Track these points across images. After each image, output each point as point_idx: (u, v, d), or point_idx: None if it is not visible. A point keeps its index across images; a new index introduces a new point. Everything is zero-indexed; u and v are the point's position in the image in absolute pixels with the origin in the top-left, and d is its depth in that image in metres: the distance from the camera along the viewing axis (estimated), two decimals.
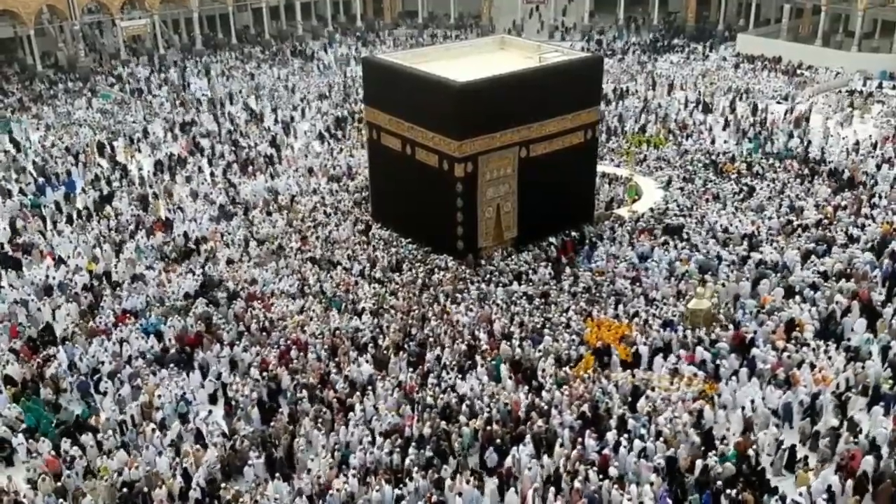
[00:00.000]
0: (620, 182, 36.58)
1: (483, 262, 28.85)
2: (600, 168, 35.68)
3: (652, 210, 33.21)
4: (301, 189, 35.63)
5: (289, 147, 42.35)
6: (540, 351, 23.05)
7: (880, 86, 48.86)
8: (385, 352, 23.17)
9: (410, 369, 22.45)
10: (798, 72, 52.64)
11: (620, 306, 25.08)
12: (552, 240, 30.04)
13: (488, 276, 27.31)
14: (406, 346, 23.29)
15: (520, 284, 26.52)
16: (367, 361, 22.73)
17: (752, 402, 20.39)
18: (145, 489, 18.44)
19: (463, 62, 30.29)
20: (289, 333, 24.39)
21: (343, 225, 31.64)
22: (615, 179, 36.96)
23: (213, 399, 22.16)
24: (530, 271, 27.43)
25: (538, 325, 24.07)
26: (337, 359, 23.12)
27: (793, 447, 18.89)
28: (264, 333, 24.51)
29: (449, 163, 27.88)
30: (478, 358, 22.76)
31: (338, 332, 24.32)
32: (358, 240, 30.65)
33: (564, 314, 24.66)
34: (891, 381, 20.84)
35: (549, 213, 29.69)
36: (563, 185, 30.10)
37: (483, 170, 28.23)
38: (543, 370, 22.26)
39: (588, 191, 32.67)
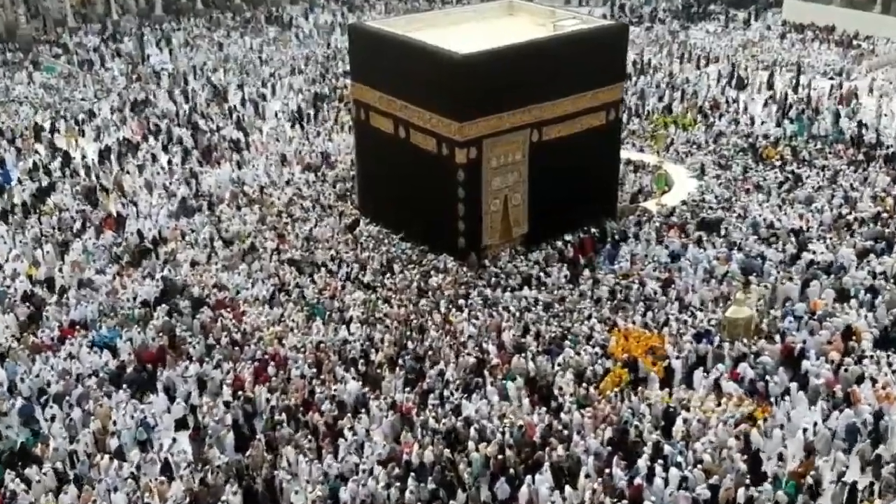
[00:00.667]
0: (647, 170, 36.60)
1: (488, 262, 28.73)
2: (624, 154, 35.67)
3: (685, 202, 33.22)
4: (272, 179, 35.63)
5: (258, 130, 42.42)
6: (558, 365, 23.13)
7: None
8: (378, 368, 23.18)
9: (408, 388, 22.48)
10: (854, 43, 52.48)
11: (650, 313, 25.17)
12: (568, 237, 30.11)
13: (494, 279, 27.40)
14: (402, 361, 23.31)
15: (530, 289, 26.63)
16: (354, 379, 22.91)
17: (815, 424, 20.70)
18: None
19: (465, 30, 30.34)
20: (265, 347, 24.35)
21: (325, 221, 31.57)
22: (641, 167, 36.99)
23: (180, 425, 22.19)
24: (542, 274, 27.60)
25: (556, 336, 24.09)
26: (322, 376, 23.09)
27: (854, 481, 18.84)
28: (236, 348, 24.44)
29: (449, 147, 27.86)
30: (486, 374, 22.87)
31: (322, 345, 24.29)
32: (343, 238, 30.69)
33: (586, 322, 24.71)
34: None
35: (564, 206, 29.65)
36: (581, 174, 29.80)
37: (488, 156, 28.25)
38: (562, 388, 22.38)
39: (610, 180, 32.63)
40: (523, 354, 23.38)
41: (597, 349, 23.63)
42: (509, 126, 28.30)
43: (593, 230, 30.89)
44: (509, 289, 26.70)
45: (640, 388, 22.24)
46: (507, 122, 28.21)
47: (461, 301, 25.96)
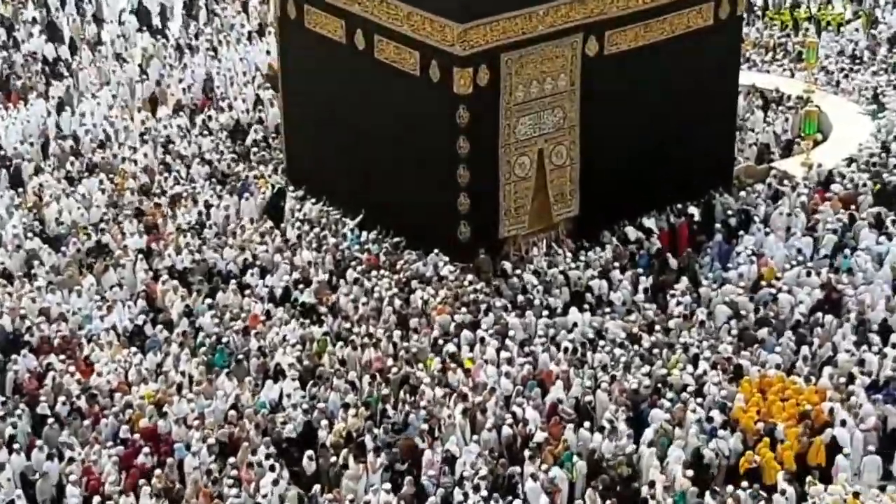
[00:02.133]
0: (788, 106, 35.55)
1: (510, 266, 28.20)
2: (746, 78, 34.81)
3: (852, 160, 32.24)
4: (118, 130, 35.17)
5: (88, 44, 41.10)
6: (648, 445, 22.81)
7: None
8: (334, 455, 22.98)
9: (390, 492, 22.13)
10: None
11: (804, 349, 25.11)
12: (650, 223, 29.20)
13: (521, 294, 27.12)
14: (377, 440, 23.15)
15: (584, 311, 26.50)
16: (290, 477, 22.72)
17: None
18: None
19: None
20: (135, 419, 23.85)
21: (226, 198, 30.88)
22: (777, 102, 35.94)
23: None
24: (606, 284, 27.40)
25: (638, 392, 23.98)
26: (234, 471, 22.68)
27: None
28: (85, 423, 23.92)
29: (442, 66, 27.24)
30: (527, 460, 22.43)
31: (235, 416, 24.00)
32: (261, 226, 29.94)
33: (688, 366, 24.61)
34: None
35: (642, 169, 29.04)
36: (671, 114, 29.35)
37: (511, 81, 27.47)
38: (654, 486, 22.09)
39: (722, 124, 31.73)
40: (586, 424, 23.37)
41: (713, 413, 23.02)
42: (546, 29, 27.67)
43: (692, 210, 29.92)
44: (546, 310, 26.36)
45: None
46: (540, 21, 27.64)
47: (460, 333, 25.78)
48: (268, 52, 38.98)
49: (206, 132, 35.58)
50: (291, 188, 31.77)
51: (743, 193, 31.05)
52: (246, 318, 26.88)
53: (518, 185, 28.38)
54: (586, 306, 26.92)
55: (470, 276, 27.78)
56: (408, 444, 23.20)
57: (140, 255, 29.24)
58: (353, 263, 28.42)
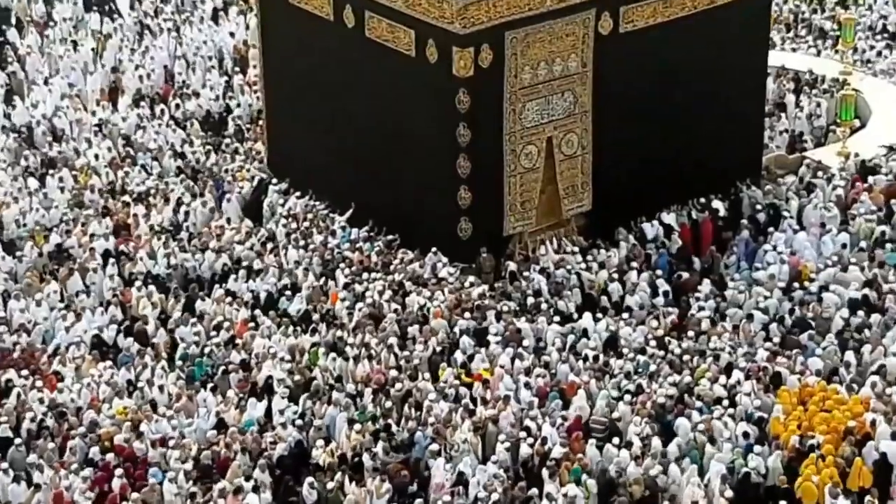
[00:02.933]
0: (822, 89, 35.42)
1: (516, 266, 28.08)
2: (776, 58, 34.79)
3: (892, 148, 32.08)
4: (74, 122, 34.94)
5: (37, 26, 40.56)
6: (676, 460, 22.56)
7: None
8: (326, 476, 22.72)
9: None
10: None
11: (849, 354, 24.99)
12: (669, 219, 29.19)
13: (531, 297, 27.03)
14: (376, 461, 23.08)
15: (598, 315, 26.43)
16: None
17: None
18: None
19: None
20: (106, 438, 23.71)
21: (206, 196, 31.30)
22: (810, 84, 35.86)
23: None
24: (620, 287, 27.32)
25: (663, 404, 23.86)
26: (220, 498, 22.52)
27: None
28: (52, 443, 23.73)
29: (440, 46, 27.14)
30: (546, 479, 22.24)
31: (218, 435, 23.93)
32: (244, 224, 30.19)
33: (721, 376, 24.44)
34: None
35: (661, 160, 28.91)
36: (693, 98, 29.08)
37: (517, 62, 27.36)
38: None
39: (751, 110, 31.52)
40: (615, 440, 23.17)
41: (744, 427, 22.91)
42: (555, 5, 27.64)
43: (717, 204, 29.74)
44: (554, 314, 26.41)
45: None
46: None
47: (460, 340, 25.80)
48: (231, 35, 38.80)
49: (172, 123, 35.27)
50: (274, 181, 31.51)
51: (773, 186, 30.78)
52: (230, 327, 26.84)
53: (524, 177, 28.12)
54: (599, 310, 26.54)
55: (471, 278, 27.44)
56: (397, 469, 22.99)
57: (111, 259, 28.88)
58: (343, 265, 28.07)
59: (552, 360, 25.27)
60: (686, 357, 25.30)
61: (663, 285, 27.27)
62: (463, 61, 26.66)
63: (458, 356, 25.52)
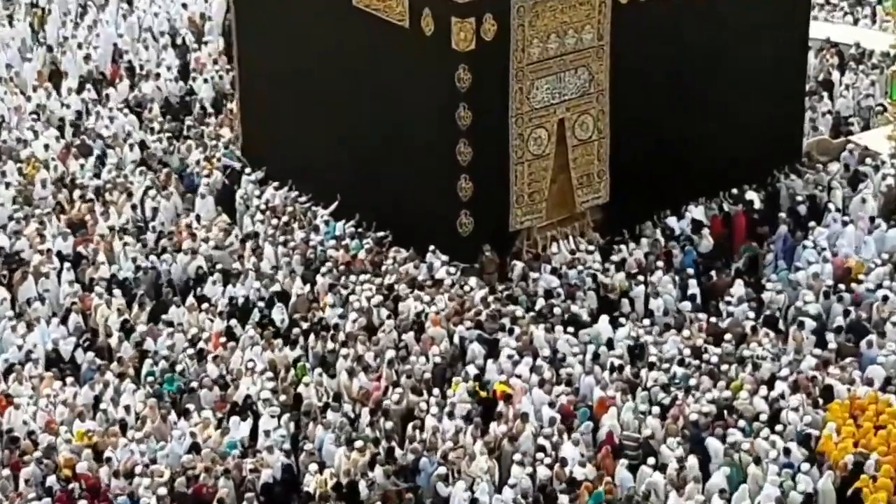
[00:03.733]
0: (871, 65, 35.03)
1: (523, 266, 27.65)
2: (818, 29, 34.27)
3: None
4: (13, 109, 34.32)
5: None
6: (718, 493, 22.22)
7: None
8: None
9: None
10: None
11: None
12: (697, 212, 28.86)
13: (542, 299, 26.63)
14: (374, 490, 22.93)
15: (617, 321, 26.22)
16: None
17: None
18: None
19: None
20: (64, 466, 23.30)
21: (171, 189, 30.90)
22: (857, 60, 35.40)
23: None
24: (644, 287, 26.95)
25: (695, 421, 23.64)
26: None
27: None
28: (5, 472, 23.50)
29: (438, 17, 26.99)
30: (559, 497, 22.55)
31: (192, 461, 23.32)
32: (217, 218, 29.84)
33: (762, 388, 24.23)
34: None
35: (687, 146, 28.61)
36: (723, 75, 28.74)
37: (524, 35, 27.00)
38: None
39: (789, 89, 31.14)
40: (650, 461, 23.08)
41: (790, 445, 22.60)
42: None
43: (751, 196, 29.49)
44: (568, 321, 26.01)
45: None
46: None
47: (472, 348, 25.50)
48: (184, 6, 38.39)
49: (125, 108, 34.72)
50: (248, 170, 30.93)
51: (814, 174, 30.38)
52: (208, 338, 26.48)
53: (533, 164, 27.65)
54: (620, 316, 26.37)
55: (473, 280, 26.82)
56: (388, 496, 22.69)
57: (68, 263, 28.35)
58: (329, 265, 27.70)
59: (575, 374, 24.67)
60: (724, 367, 24.67)
61: (692, 287, 26.68)
62: (463, 33, 26.04)
63: (472, 369, 25.27)
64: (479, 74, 26.49)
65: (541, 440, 23.88)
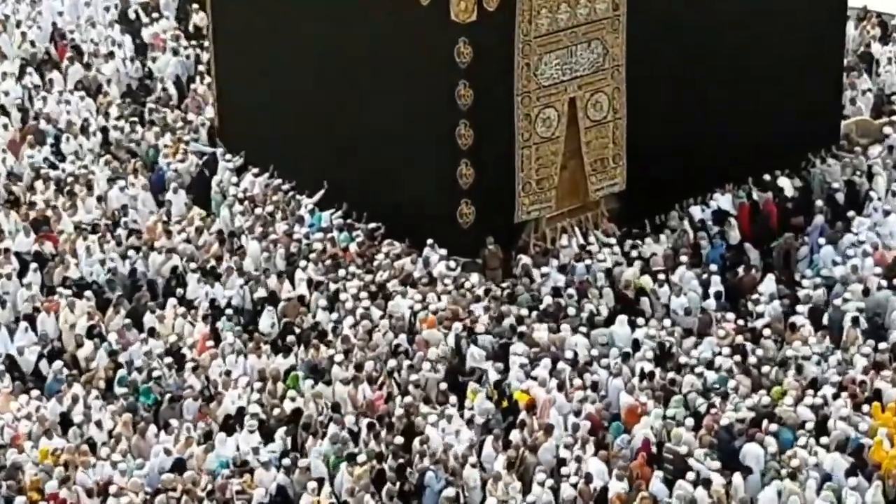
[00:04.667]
0: None
1: (531, 261, 26.93)
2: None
3: None
4: None
5: None
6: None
7: None
8: None
9: None
10: None
11: None
12: (721, 201, 28.40)
13: (552, 297, 26.07)
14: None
15: (636, 322, 25.47)
16: None
17: None
18: None
19: None
20: (33, 486, 23.07)
21: (139, 180, 30.57)
22: None
23: None
24: (667, 287, 26.30)
25: (732, 429, 23.24)
26: None
27: None
28: None
29: None
30: None
31: (173, 481, 22.95)
32: (189, 215, 29.17)
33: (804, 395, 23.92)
34: None
35: (712, 127, 28.16)
36: (752, 49, 28.10)
37: (531, 4, 26.49)
38: None
39: (826, 64, 30.50)
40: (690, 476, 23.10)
41: (835, 455, 22.59)
42: None
43: (783, 183, 28.95)
44: (584, 321, 25.73)
45: None
46: None
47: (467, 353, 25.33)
48: None
49: (78, 91, 33.88)
50: (227, 156, 30.16)
51: (854, 158, 29.77)
52: (185, 346, 25.78)
53: (541, 148, 27.06)
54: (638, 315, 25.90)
55: (475, 276, 26.18)
56: None
57: (34, 264, 27.87)
58: (313, 258, 27.04)
59: (601, 380, 24.13)
60: (765, 369, 24.39)
61: (717, 284, 26.04)
62: (463, 3, 25.61)
63: (492, 374, 24.66)
64: (480, 48, 26.00)
65: (563, 452, 23.14)
